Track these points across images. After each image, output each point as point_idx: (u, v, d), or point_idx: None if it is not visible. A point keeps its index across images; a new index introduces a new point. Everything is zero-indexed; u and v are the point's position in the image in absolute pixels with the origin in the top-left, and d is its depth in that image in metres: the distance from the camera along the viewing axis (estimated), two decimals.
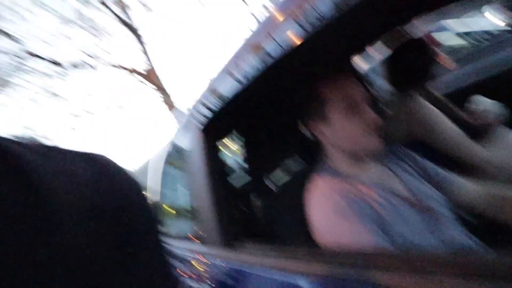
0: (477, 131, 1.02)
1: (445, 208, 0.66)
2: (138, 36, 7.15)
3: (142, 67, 7.21)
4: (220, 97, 0.76)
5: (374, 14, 0.58)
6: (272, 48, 0.58)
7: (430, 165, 0.77)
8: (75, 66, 6.88)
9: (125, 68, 7.26)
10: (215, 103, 0.79)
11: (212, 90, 0.80)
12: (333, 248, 0.54)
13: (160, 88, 7.28)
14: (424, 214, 0.63)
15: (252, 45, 0.65)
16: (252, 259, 0.64)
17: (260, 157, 1.00)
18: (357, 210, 0.58)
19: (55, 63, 6.63)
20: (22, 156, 0.24)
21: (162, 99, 7.41)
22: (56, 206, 0.24)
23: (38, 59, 6.48)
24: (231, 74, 0.70)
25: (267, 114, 1.00)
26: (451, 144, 0.92)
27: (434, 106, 0.98)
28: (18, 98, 8.38)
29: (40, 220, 0.23)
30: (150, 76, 7.17)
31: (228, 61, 0.74)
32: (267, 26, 0.60)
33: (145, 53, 7.19)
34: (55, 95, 7.07)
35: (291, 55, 0.57)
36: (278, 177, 0.98)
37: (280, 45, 0.56)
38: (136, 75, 7.30)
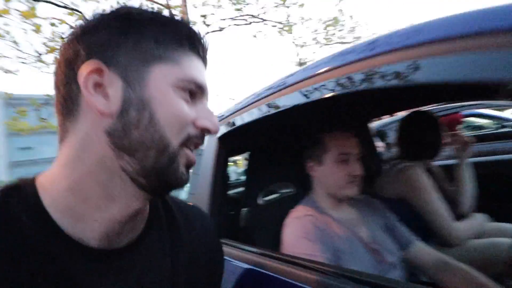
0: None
1: (394, 257, 0.82)
2: None
3: None
4: (242, 119, 0.94)
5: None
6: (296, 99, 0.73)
7: (397, 224, 0.93)
8: None
9: None
10: (237, 121, 0.96)
11: (236, 110, 0.98)
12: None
13: None
14: (373, 255, 0.79)
15: (280, 89, 0.82)
16: (232, 253, 0.80)
17: (259, 175, 1.17)
18: (320, 237, 0.75)
19: None
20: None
21: None
22: None
23: None
24: (256, 107, 0.87)
25: (276, 143, 1.19)
26: (429, 213, 1.09)
27: (428, 174, 1.16)
28: None
29: None
30: None
31: (256, 92, 0.92)
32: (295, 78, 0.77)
33: None
34: None
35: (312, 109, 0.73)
36: (268, 195, 1.15)
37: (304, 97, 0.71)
38: None
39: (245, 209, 1.10)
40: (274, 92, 0.79)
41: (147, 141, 0.35)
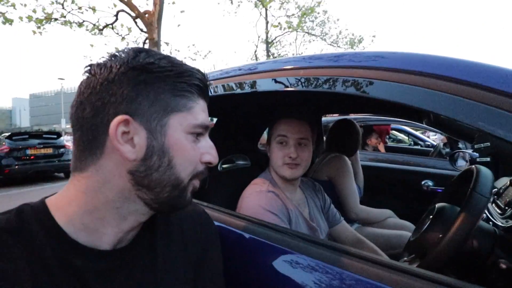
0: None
1: (324, 235, 0.99)
2: None
3: None
4: (214, 89, 0.95)
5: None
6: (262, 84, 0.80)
7: (332, 206, 1.11)
8: None
9: None
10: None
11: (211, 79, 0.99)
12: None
13: None
14: (311, 231, 0.95)
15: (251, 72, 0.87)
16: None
17: (221, 143, 1.22)
18: (279, 210, 0.86)
19: None
20: None
21: None
22: None
23: None
24: (227, 82, 0.90)
25: (240, 118, 1.24)
26: (345, 192, 1.40)
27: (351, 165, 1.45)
28: None
29: None
30: None
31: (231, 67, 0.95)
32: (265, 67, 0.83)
33: None
34: None
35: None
36: (226, 163, 1.22)
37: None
38: None
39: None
40: (246, 74, 0.85)
41: (165, 181, 0.41)
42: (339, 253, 0.53)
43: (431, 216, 0.73)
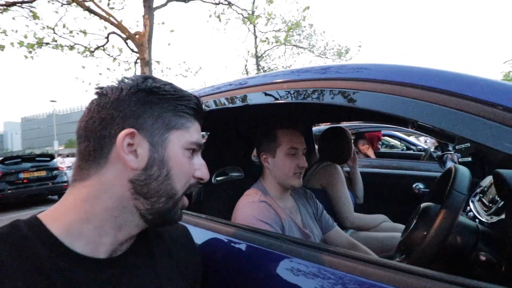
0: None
1: (318, 240, 1.02)
2: None
3: None
4: (206, 104, 0.98)
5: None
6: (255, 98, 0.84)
7: (324, 212, 1.13)
8: None
9: None
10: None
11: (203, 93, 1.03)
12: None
13: None
14: (304, 237, 0.97)
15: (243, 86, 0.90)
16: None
17: (214, 156, 1.25)
18: (272, 220, 0.88)
19: None
20: None
21: None
22: None
23: None
24: (219, 97, 0.93)
25: (233, 132, 1.28)
26: (338, 200, 1.41)
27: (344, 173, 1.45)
28: None
29: None
30: None
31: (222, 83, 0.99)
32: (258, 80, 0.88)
33: None
34: None
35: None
36: (220, 176, 1.25)
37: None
38: None
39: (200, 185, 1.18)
40: (236, 89, 0.88)
41: (162, 191, 0.45)
42: (329, 253, 0.55)
43: (417, 216, 0.76)
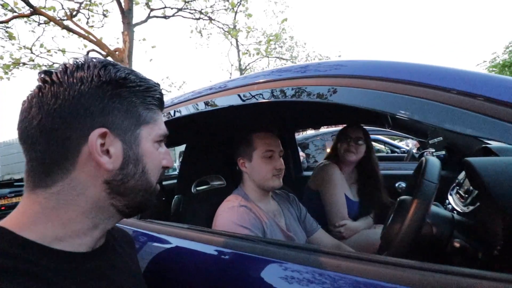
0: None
1: (302, 240, 1.00)
2: None
3: None
4: (181, 112, 0.96)
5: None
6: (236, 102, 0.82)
7: (308, 215, 1.12)
8: None
9: None
10: (176, 113, 0.97)
11: (177, 103, 1.00)
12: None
13: None
14: (286, 237, 0.95)
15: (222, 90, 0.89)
16: (159, 229, 0.84)
17: (193, 166, 1.23)
18: (252, 224, 0.87)
19: None
20: None
21: None
22: None
23: None
24: (195, 103, 0.91)
25: (211, 139, 1.26)
26: (329, 203, 1.36)
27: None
28: None
29: None
30: None
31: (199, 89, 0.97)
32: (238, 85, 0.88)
33: None
34: None
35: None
36: (200, 185, 1.22)
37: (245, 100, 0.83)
38: None
39: (179, 196, 1.15)
40: (215, 92, 0.85)
41: (139, 186, 0.44)
42: (309, 252, 0.54)
43: (394, 210, 0.76)
